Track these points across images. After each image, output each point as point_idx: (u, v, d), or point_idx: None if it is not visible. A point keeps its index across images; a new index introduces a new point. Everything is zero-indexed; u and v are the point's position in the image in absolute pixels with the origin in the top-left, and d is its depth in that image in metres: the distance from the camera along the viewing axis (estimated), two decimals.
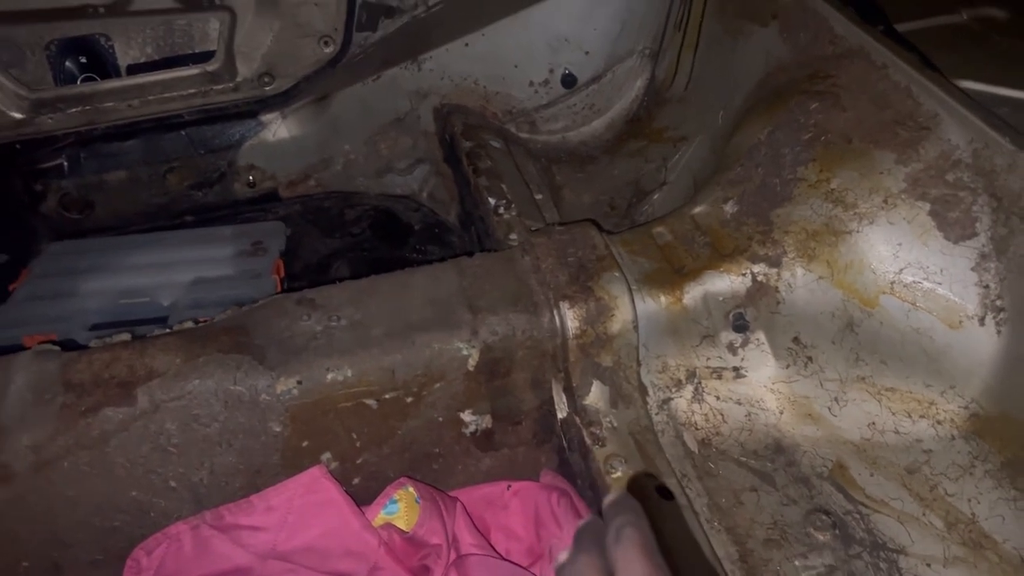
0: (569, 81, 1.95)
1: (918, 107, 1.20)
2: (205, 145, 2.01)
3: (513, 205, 1.63)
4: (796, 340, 1.25)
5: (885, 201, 1.17)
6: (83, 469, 1.12)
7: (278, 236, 1.87)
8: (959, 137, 1.16)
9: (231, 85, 1.87)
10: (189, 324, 1.23)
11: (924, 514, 1.11)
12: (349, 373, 1.15)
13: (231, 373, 1.14)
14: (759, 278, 1.24)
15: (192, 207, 2.04)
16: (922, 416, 1.16)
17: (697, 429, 1.26)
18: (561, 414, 1.26)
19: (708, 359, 1.28)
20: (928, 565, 1.07)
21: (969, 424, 1.12)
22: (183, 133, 2.00)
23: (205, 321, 1.24)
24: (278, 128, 2.01)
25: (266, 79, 1.87)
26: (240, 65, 1.86)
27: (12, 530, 1.12)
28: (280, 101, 1.95)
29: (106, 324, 1.59)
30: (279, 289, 1.70)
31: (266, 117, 2.01)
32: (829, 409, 1.23)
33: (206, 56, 1.84)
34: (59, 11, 1.69)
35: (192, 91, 1.86)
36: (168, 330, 1.22)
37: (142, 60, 1.86)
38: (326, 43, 1.84)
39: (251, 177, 2.04)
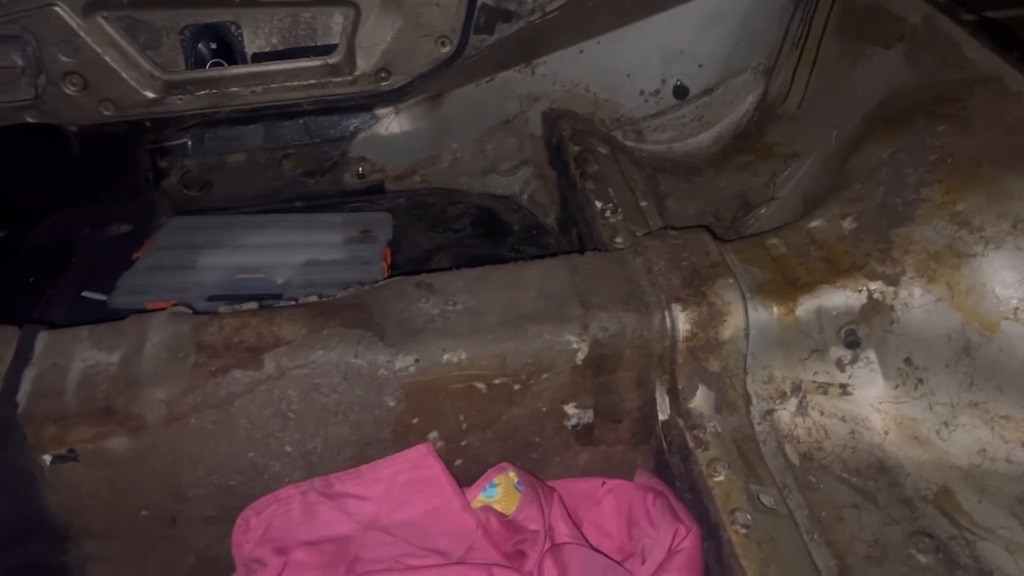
0: (680, 92, 1.97)
1: None
2: (320, 135, 2.09)
3: (620, 209, 1.65)
4: (908, 361, 1.24)
5: (1014, 226, 1.16)
6: (208, 427, 1.18)
7: (386, 226, 1.93)
8: None
9: (349, 78, 1.94)
10: (314, 298, 1.28)
11: None
12: (463, 356, 1.19)
13: (353, 347, 1.19)
14: (875, 296, 1.23)
15: (303, 193, 2.11)
16: None
17: (799, 442, 1.26)
18: (663, 416, 1.28)
19: (815, 373, 1.28)
20: None
21: None
22: (301, 121, 2.08)
23: (328, 298, 1.30)
24: (390, 123, 2.08)
25: (383, 75, 1.94)
26: (360, 59, 1.93)
27: (138, 479, 1.18)
28: (395, 97, 2.01)
29: (223, 296, 1.67)
30: (386, 275, 1.75)
31: (380, 111, 2.07)
32: (937, 432, 1.22)
33: (328, 49, 1.92)
34: None
35: (312, 82, 1.94)
36: (294, 302, 1.28)
37: (267, 49, 1.94)
38: (443, 43, 1.89)
39: (361, 168, 2.11)
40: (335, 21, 1.93)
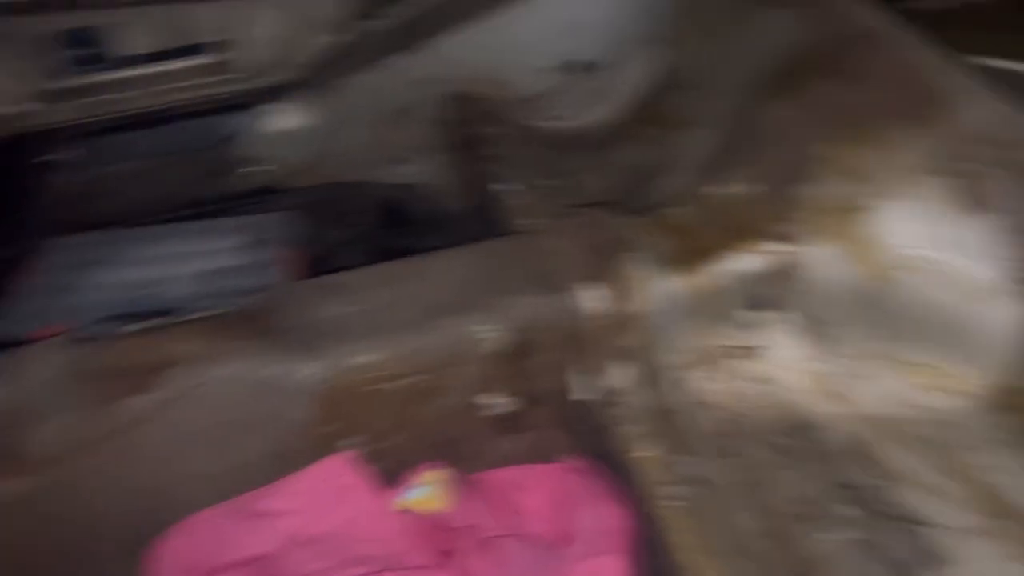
0: (576, 68, 1.95)
1: (934, 84, 1.22)
2: (207, 137, 1.99)
3: (525, 191, 1.63)
4: (814, 318, 1.26)
5: (902, 177, 1.18)
6: (106, 459, 1.11)
7: (283, 227, 1.86)
8: (976, 113, 1.17)
9: (232, 76, 1.86)
10: (212, 311, 1.22)
11: (948, 486, 1.12)
12: (374, 357, 1.15)
13: (256, 358, 1.14)
14: (777, 257, 1.25)
15: (193, 200, 2.02)
16: (943, 389, 1.17)
17: (716, 409, 1.27)
18: (582, 395, 1.27)
19: (726, 338, 1.28)
20: (953, 536, 1.08)
21: (990, 396, 1.13)
22: (184, 125, 1.98)
23: (225, 309, 1.24)
24: (282, 118, 2.00)
25: (268, 69, 1.86)
26: (242, 55, 1.85)
27: (35, 524, 1.11)
28: (285, 91, 1.94)
29: (117, 316, 1.58)
30: (286, 280, 1.69)
31: (270, 107, 1.99)
32: (848, 385, 1.24)
33: (207, 47, 1.83)
34: (64, 2, 1.67)
35: (193, 82, 1.85)
36: (190, 317, 1.22)
37: (142, 52, 1.84)
38: (329, 32, 1.83)
39: (252, 169, 2.03)
40: (212, 18, 1.84)
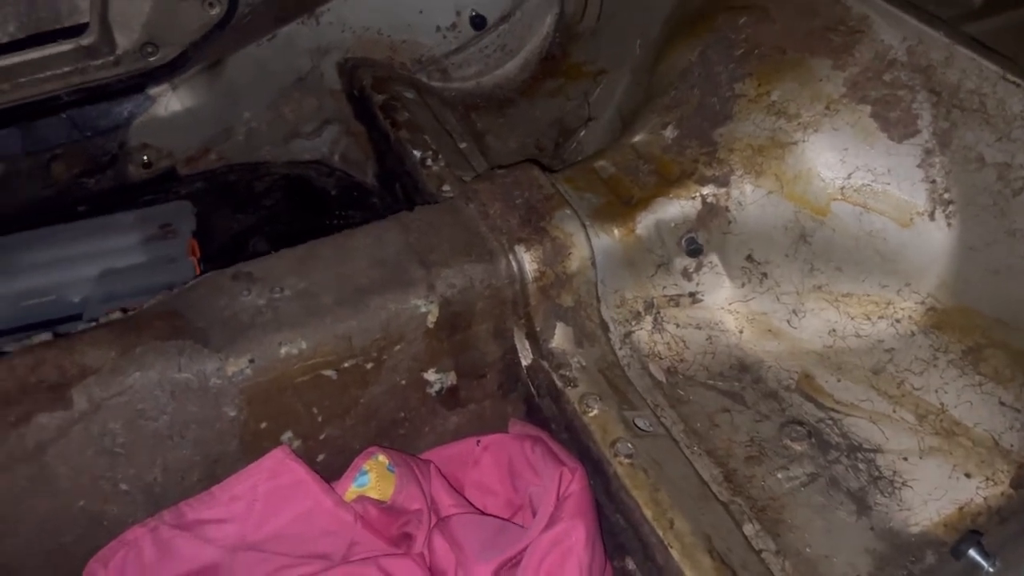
0: (478, 23, 1.88)
1: (847, 11, 1.21)
2: (91, 127, 1.85)
3: (440, 156, 1.56)
4: (750, 258, 1.25)
5: (827, 108, 1.18)
6: (22, 485, 1.02)
7: (187, 216, 1.75)
8: (892, 37, 1.17)
9: (111, 59, 1.72)
10: (118, 313, 1.12)
11: (895, 411, 1.13)
12: (304, 345, 1.08)
13: (174, 360, 1.05)
14: (708, 200, 1.23)
15: (84, 196, 1.87)
16: (881, 317, 1.18)
17: (661, 359, 1.26)
18: (526, 361, 1.23)
19: (664, 288, 1.27)
20: (905, 459, 1.10)
21: (928, 319, 1.15)
22: (64, 116, 1.83)
23: (134, 310, 1.14)
24: (170, 101, 1.87)
25: (149, 49, 1.72)
26: (118, 36, 1.71)
27: None
28: (168, 72, 1.79)
29: (12, 330, 1.46)
30: (198, 271, 1.59)
31: (155, 90, 1.86)
32: (788, 322, 1.24)
33: (79, 30, 1.68)
34: None
35: (68, 69, 1.70)
36: (94, 323, 1.12)
37: (5, 40, 1.68)
38: (211, 5, 1.71)
39: (146, 157, 1.89)
40: None
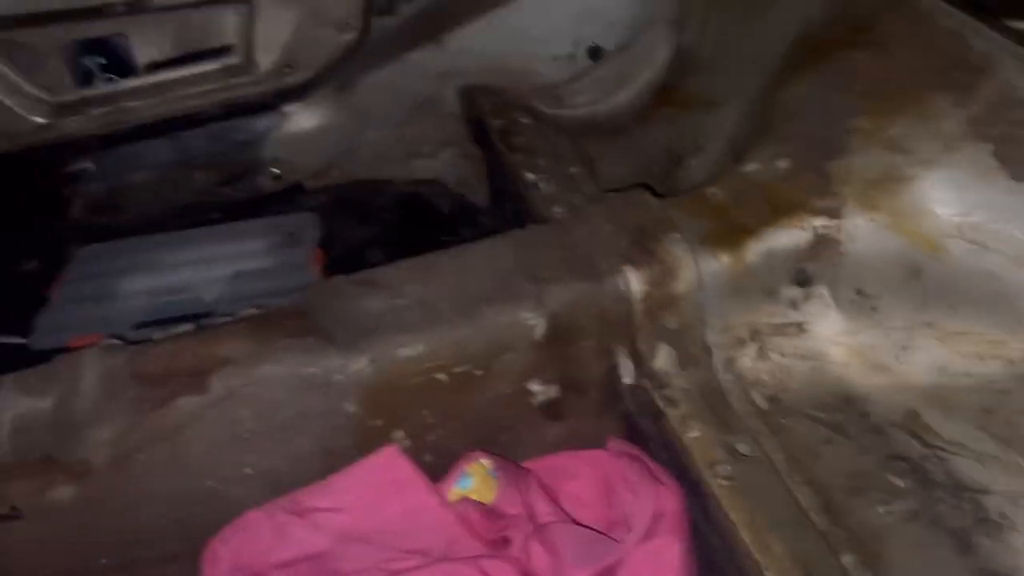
0: (594, 53, 1.94)
1: (970, 50, 1.21)
2: (229, 140, 2.00)
3: (552, 179, 1.62)
4: (859, 291, 1.25)
5: (945, 145, 1.17)
6: (159, 461, 1.11)
7: (312, 226, 1.86)
8: (1017, 76, 1.16)
9: (252, 78, 1.86)
10: (252, 311, 1.22)
11: (1005, 453, 1.11)
12: (420, 349, 1.15)
13: (302, 356, 1.13)
14: (820, 231, 1.24)
15: (219, 204, 2.02)
16: (994, 356, 1.16)
17: (764, 386, 1.26)
18: (628, 380, 1.26)
19: (771, 316, 1.28)
20: (1013, 502, 1.07)
21: None
22: (207, 129, 1.98)
23: (268, 308, 1.24)
24: (302, 119, 2.00)
25: (287, 70, 1.86)
26: (260, 57, 1.85)
27: (90, 527, 1.12)
28: (302, 91, 1.94)
29: (152, 322, 1.58)
30: (321, 278, 1.69)
31: (289, 108, 1.99)
32: (896, 357, 1.23)
33: (225, 50, 1.83)
34: (78, 11, 1.67)
35: (213, 86, 1.85)
36: (230, 318, 1.22)
37: (160, 58, 1.84)
38: (345, 30, 1.83)
39: (277, 170, 2.03)
40: (229, 20, 1.84)
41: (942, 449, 1.15)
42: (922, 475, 1.14)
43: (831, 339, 1.27)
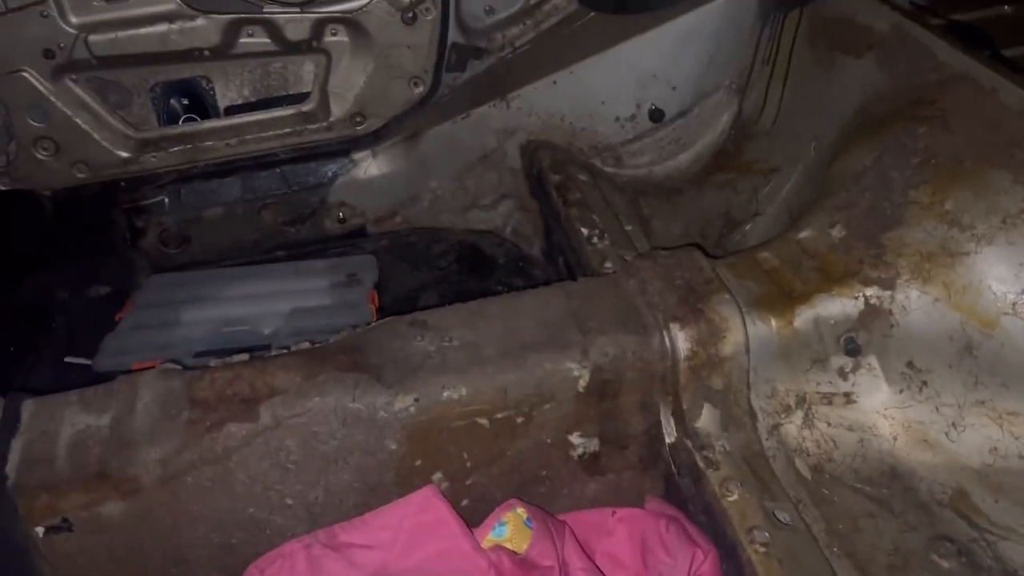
0: (656, 116, 1.98)
1: None
2: (299, 182, 2.08)
3: (606, 235, 1.65)
4: (910, 364, 1.23)
5: (1003, 221, 1.16)
6: (206, 484, 1.14)
7: (371, 269, 1.92)
8: None
9: (324, 125, 1.95)
10: (306, 345, 1.26)
11: None
12: (464, 391, 1.17)
13: (350, 391, 1.16)
14: (872, 301, 1.23)
15: (284, 242, 2.10)
16: None
17: (809, 455, 1.25)
18: (670, 438, 1.26)
19: (819, 384, 1.26)
20: None
21: None
22: (278, 171, 2.07)
23: (320, 343, 1.27)
24: (369, 166, 2.07)
25: (358, 119, 1.94)
26: (334, 106, 1.94)
27: (136, 543, 1.15)
28: (371, 140, 2.02)
29: (210, 351, 1.64)
30: (375, 319, 1.73)
31: (357, 155, 2.07)
32: (946, 435, 1.21)
33: (301, 97, 1.92)
34: (166, 55, 1.78)
35: (287, 131, 1.94)
36: (285, 351, 1.25)
37: (240, 101, 1.94)
38: (416, 84, 1.90)
39: (341, 213, 2.10)
40: (306, 69, 1.94)
41: (991, 532, 1.12)
42: (969, 558, 1.10)
43: (879, 411, 1.25)
